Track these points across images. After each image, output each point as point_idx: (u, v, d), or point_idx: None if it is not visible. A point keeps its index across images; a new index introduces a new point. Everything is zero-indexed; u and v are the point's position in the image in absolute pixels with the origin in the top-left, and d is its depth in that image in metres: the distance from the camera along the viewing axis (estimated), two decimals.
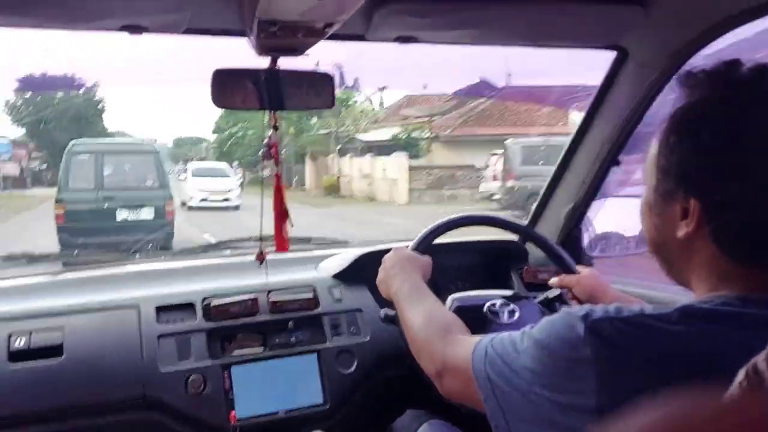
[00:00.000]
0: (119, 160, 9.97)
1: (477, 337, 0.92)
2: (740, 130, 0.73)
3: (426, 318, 1.08)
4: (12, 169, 22.15)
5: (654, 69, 1.48)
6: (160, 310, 1.53)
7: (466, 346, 0.92)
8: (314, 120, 24.41)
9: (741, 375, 0.47)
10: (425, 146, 21.17)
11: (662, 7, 1.30)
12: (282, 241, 1.41)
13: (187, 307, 1.56)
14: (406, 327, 1.13)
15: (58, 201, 8.69)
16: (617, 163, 1.74)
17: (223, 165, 18.89)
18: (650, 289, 1.71)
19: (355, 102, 24.18)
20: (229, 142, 26.75)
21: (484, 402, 0.84)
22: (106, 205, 8.98)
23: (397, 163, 19.46)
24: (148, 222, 9.04)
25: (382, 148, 21.01)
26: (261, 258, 1.51)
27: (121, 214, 9.09)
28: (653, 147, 0.82)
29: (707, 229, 0.75)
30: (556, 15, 1.34)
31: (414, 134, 21.27)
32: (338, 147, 23.10)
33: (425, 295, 1.17)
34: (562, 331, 0.76)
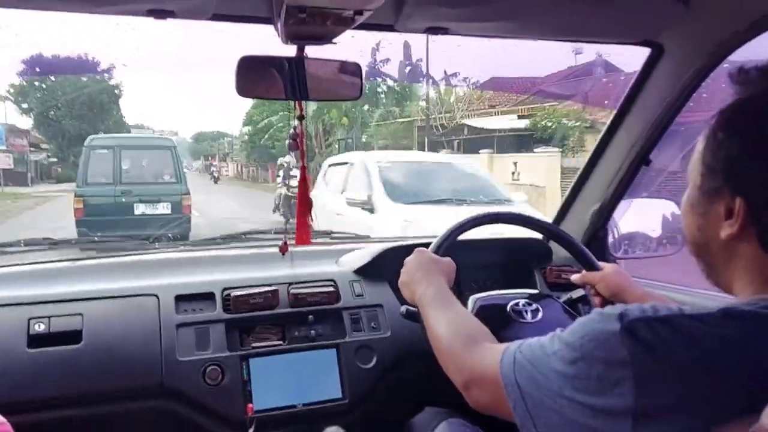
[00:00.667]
0: (137, 155, 10.12)
1: (504, 345, 0.90)
2: None
3: (451, 326, 1.05)
4: (3, 161, 20.14)
5: (690, 66, 1.43)
6: (180, 299, 1.51)
7: (494, 354, 0.89)
8: (369, 108, 21.45)
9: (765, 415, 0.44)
10: (577, 140, 14.64)
11: (703, 4, 1.25)
12: (304, 234, 1.39)
13: (207, 296, 1.54)
14: (432, 335, 1.10)
15: (77, 195, 8.99)
16: (647, 162, 1.69)
17: None
18: (674, 291, 1.66)
19: (437, 87, 20.12)
20: (267, 134, 24.37)
21: (513, 409, 0.81)
22: (123, 199, 9.19)
23: (547, 163, 13.39)
24: (165, 216, 9.19)
25: (505, 141, 16.47)
26: (284, 250, 1.48)
27: (139, 209, 9.30)
28: (700, 143, 0.80)
29: (753, 230, 0.74)
30: (592, 9, 1.30)
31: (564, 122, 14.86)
32: (431, 138, 18.48)
33: (450, 302, 1.14)
34: (596, 332, 0.73)
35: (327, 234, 1.98)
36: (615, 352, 0.70)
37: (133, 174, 9.75)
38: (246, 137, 29.21)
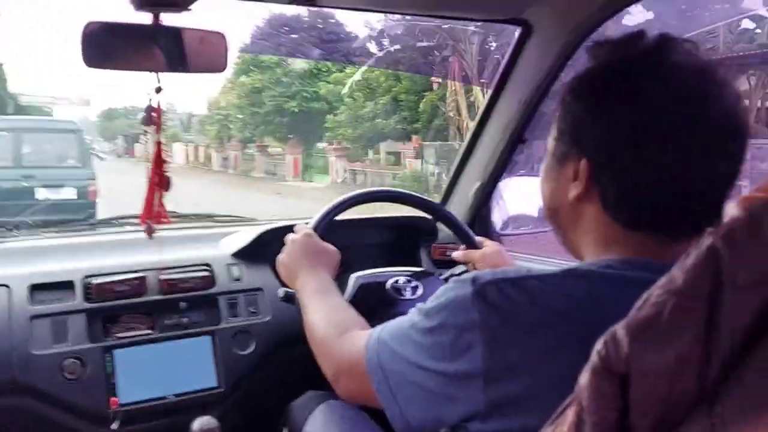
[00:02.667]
0: (39, 138, 9.55)
1: (371, 330, 0.88)
2: (637, 95, 0.71)
3: (326, 318, 1.03)
4: None
5: (557, 44, 1.43)
6: (35, 288, 1.37)
7: (361, 340, 0.87)
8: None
9: (600, 343, 0.43)
10: None
11: None
12: (155, 213, 1.27)
13: (66, 285, 1.40)
14: (307, 328, 1.06)
15: None
16: (523, 140, 1.70)
17: None
18: (554, 265, 1.69)
19: None
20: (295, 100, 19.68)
21: (377, 392, 0.79)
22: (25, 183, 8.62)
23: None
24: (69, 202, 8.72)
25: None
26: (150, 232, 1.37)
27: (41, 193, 8.74)
28: (555, 113, 0.80)
29: (596, 192, 0.74)
30: None
31: None
32: None
33: (329, 294, 1.12)
34: (451, 299, 0.74)
35: (209, 217, 1.87)
36: (467, 315, 0.70)
37: (35, 158, 9.23)
38: (229, 110, 23.98)
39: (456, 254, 1.49)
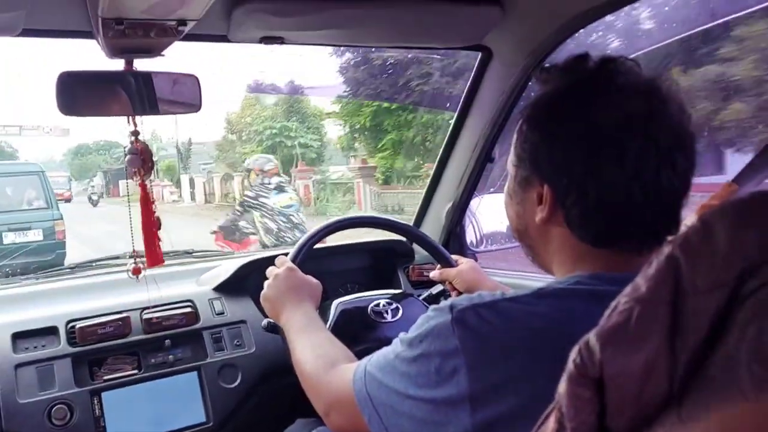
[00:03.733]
0: (1, 183, 9.41)
1: (357, 362, 0.89)
2: (586, 120, 0.73)
3: (313, 354, 1.03)
4: None
5: (516, 67, 1.49)
6: (17, 336, 1.36)
7: (348, 373, 0.88)
8: None
9: (575, 352, 0.45)
10: None
11: (518, 7, 1.31)
12: (155, 255, 1.30)
13: (50, 331, 1.40)
14: (296, 363, 1.07)
15: None
16: (491, 159, 1.75)
17: None
18: (527, 279, 1.74)
19: None
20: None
21: (369, 425, 0.80)
22: None
23: None
24: (37, 243, 8.60)
25: None
26: (137, 272, 1.38)
27: (8, 237, 8.66)
28: (513, 139, 0.83)
29: (560, 214, 0.76)
30: (419, 16, 1.32)
31: None
32: None
33: (315, 329, 1.12)
34: (431, 327, 0.75)
35: (188, 253, 1.87)
36: (448, 342, 0.71)
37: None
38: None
39: (433, 274, 1.52)
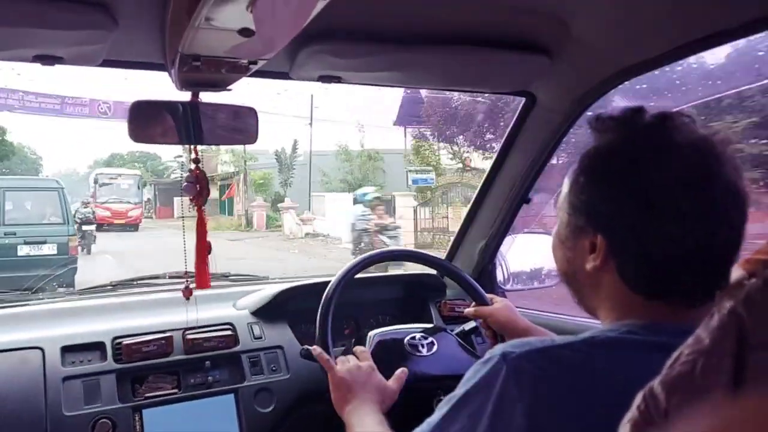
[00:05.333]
0: (22, 197, 9.93)
1: None
2: (642, 175, 0.77)
3: None
4: None
5: (559, 113, 1.57)
6: (66, 350, 1.44)
7: None
8: None
9: (639, 399, 0.49)
10: None
11: (566, 58, 1.39)
12: (204, 278, 1.37)
13: (97, 346, 1.47)
14: None
15: None
16: (528, 200, 1.82)
17: None
18: (560, 320, 1.79)
19: None
20: None
21: None
22: (7, 240, 9.05)
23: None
24: (50, 257, 9.08)
25: None
26: (188, 294, 1.45)
27: (23, 250, 9.16)
28: (565, 185, 0.87)
29: (613, 264, 0.80)
30: (470, 61, 1.41)
31: None
32: None
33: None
34: (486, 377, 0.77)
35: (225, 276, 1.95)
36: (505, 391, 0.74)
37: (18, 215, 9.60)
38: None
39: (468, 311, 1.54)
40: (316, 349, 1.31)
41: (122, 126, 1.25)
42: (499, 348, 0.78)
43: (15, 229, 9.15)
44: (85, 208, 14.90)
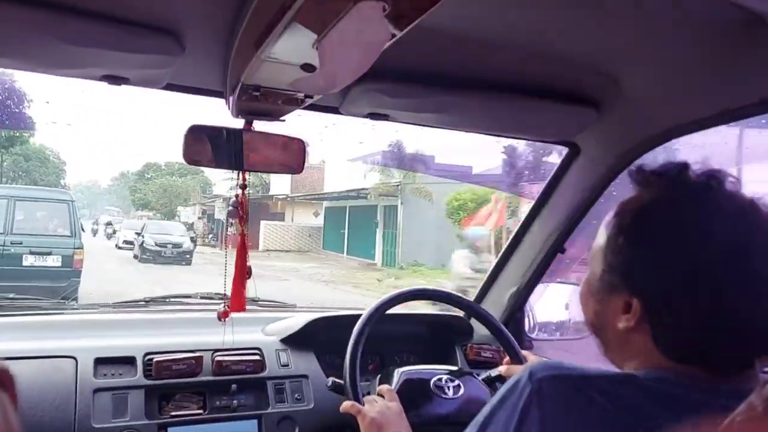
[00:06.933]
0: (32, 207, 10.16)
1: None
2: (687, 238, 0.77)
3: None
4: None
5: (603, 166, 1.63)
6: (99, 362, 1.49)
7: None
8: None
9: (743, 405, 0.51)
10: None
11: (613, 113, 1.46)
12: (241, 301, 1.43)
13: (128, 361, 1.53)
14: None
15: None
16: (563, 250, 1.86)
17: None
18: None
19: None
20: None
21: None
22: (12, 249, 9.23)
23: None
24: (54, 269, 9.29)
25: None
26: (225, 316, 1.51)
27: (28, 260, 9.33)
28: (601, 236, 0.87)
29: (647, 327, 0.80)
30: (518, 109, 1.48)
31: None
32: None
33: None
34: (511, 395, 0.80)
35: (254, 301, 2.00)
36: (527, 410, 0.77)
37: (26, 225, 9.78)
38: None
39: (501, 369, 1.57)
40: (346, 404, 1.35)
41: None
42: (528, 366, 0.81)
43: (21, 238, 9.34)
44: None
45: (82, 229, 10.74)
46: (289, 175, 20.07)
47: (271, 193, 27.17)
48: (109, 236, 24.59)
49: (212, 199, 28.14)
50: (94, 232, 26.95)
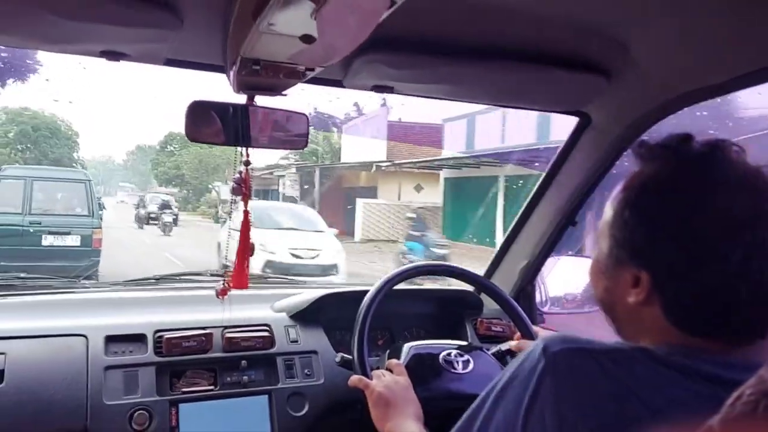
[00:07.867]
0: (51, 187, 10.33)
1: None
2: (691, 207, 0.77)
3: None
4: None
5: (614, 136, 1.61)
6: (110, 339, 1.52)
7: None
8: None
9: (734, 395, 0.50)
10: None
11: (624, 81, 1.43)
12: (242, 279, 1.44)
13: (138, 338, 1.55)
14: None
15: None
16: (574, 223, 1.85)
17: None
18: None
19: None
20: None
21: None
22: (32, 229, 9.37)
23: None
24: (73, 248, 9.44)
25: None
26: (223, 293, 1.53)
27: (47, 240, 9.46)
28: (608, 213, 0.87)
29: (657, 300, 0.81)
30: (526, 78, 1.45)
31: None
32: None
33: None
34: (524, 368, 0.80)
35: (263, 278, 2.02)
36: (539, 385, 0.77)
37: (45, 205, 9.96)
38: None
39: (513, 344, 1.59)
40: (353, 379, 1.37)
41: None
42: (542, 340, 0.81)
43: (40, 218, 9.50)
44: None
45: (104, 207, 10.88)
46: (380, 140, 19.68)
47: (343, 161, 22.32)
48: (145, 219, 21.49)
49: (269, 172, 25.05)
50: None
